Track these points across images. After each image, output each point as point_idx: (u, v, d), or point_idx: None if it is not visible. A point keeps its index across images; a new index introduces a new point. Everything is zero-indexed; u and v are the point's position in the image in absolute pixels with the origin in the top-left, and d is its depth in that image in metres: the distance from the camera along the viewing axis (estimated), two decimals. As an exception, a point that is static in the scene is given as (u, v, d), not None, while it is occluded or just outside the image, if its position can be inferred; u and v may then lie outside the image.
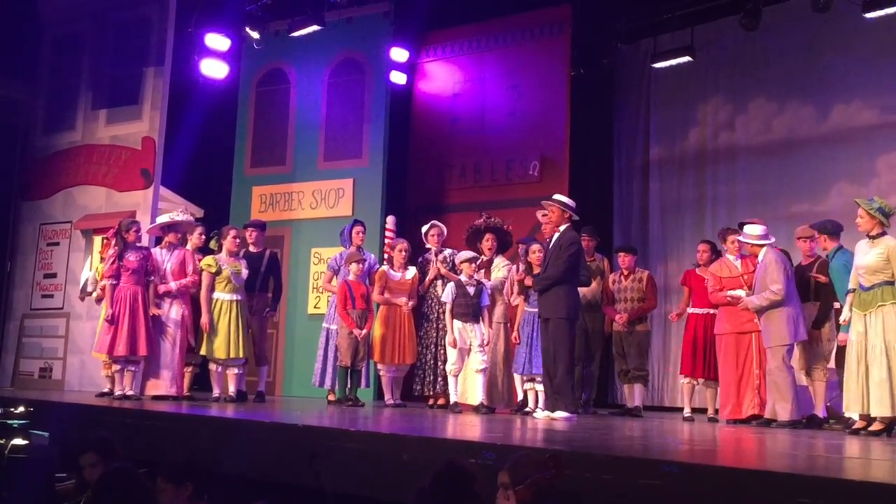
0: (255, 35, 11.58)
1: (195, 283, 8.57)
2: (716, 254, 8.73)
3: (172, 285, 8.50)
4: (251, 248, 9.08)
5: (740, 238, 8.02)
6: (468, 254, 8.44)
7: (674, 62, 11.39)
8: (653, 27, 11.69)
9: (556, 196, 7.67)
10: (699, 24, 11.30)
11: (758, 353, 7.89)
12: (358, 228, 9.22)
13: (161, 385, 8.47)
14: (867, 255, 6.83)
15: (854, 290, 6.98)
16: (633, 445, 5.15)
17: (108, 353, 8.34)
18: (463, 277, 8.30)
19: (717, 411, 8.62)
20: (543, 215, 8.65)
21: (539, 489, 3.51)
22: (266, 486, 5.41)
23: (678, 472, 3.64)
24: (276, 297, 9.33)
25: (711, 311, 8.45)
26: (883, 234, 6.87)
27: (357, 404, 8.61)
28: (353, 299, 8.70)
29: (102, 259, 9.03)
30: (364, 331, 8.64)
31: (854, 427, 6.89)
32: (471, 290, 8.21)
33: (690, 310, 8.69)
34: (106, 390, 8.74)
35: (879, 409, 6.63)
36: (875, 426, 6.72)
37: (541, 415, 7.45)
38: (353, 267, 8.79)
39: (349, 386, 8.77)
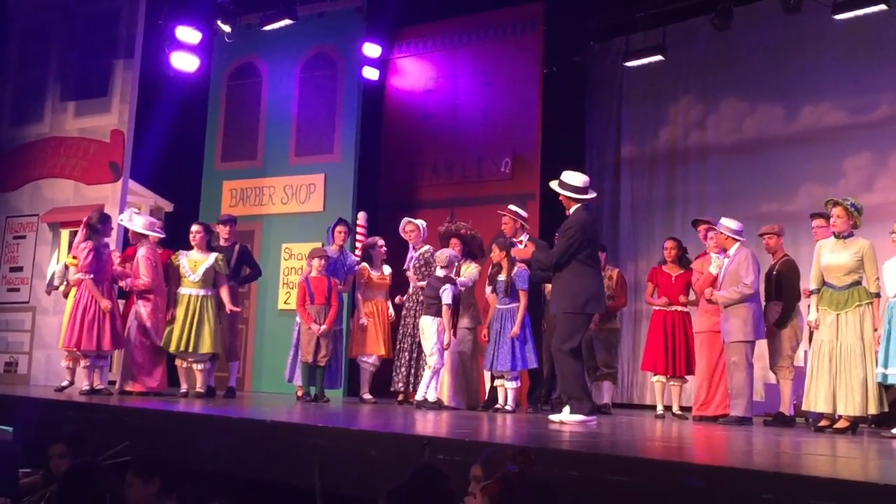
0: (227, 28, 11.49)
1: (145, 286, 8.42)
2: (682, 250, 8.84)
3: (125, 283, 8.52)
4: (222, 243, 9.06)
5: (717, 227, 8.07)
6: (448, 253, 8.49)
7: (646, 61, 11.45)
8: (625, 26, 11.74)
9: (564, 176, 6.82)
10: (671, 23, 11.37)
11: None
12: (340, 228, 9.23)
13: (137, 379, 8.43)
14: (840, 256, 6.89)
15: (817, 291, 7.04)
16: (600, 442, 5.17)
17: (75, 346, 8.26)
18: (441, 274, 8.34)
19: (682, 408, 8.71)
20: (502, 215, 8.66)
21: (508, 484, 3.51)
22: (234, 482, 5.39)
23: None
24: (247, 277, 9.41)
25: (678, 308, 8.57)
26: (852, 234, 6.95)
27: (321, 400, 8.59)
28: (311, 295, 8.68)
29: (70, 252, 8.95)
30: (323, 327, 8.61)
31: (819, 425, 6.98)
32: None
33: (656, 307, 8.77)
34: (64, 384, 8.65)
35: (852, 409, 6.70)
36: (840, 424, 6.81)
37: (560, 417, 6.60)
38: (315, 262, 8.78)
39: (312, 383, 8.75)
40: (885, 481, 3.32)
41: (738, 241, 7.88)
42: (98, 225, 8.35)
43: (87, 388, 8.19)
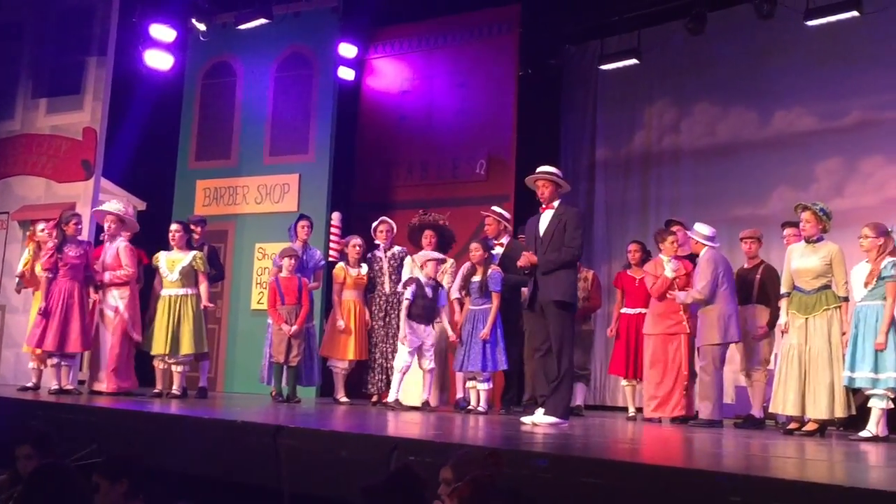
0: (202, 27, 11.42)
1: (130, 275, 8.45)
2: (646, 253, 8.88)
3: (106, 276, 8.42)
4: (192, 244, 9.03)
5: (689, 233, 8.16)
6: (434, 254, 8.44)
7: (620, 64, 11.51)
8: (600, 29, 11.81)
9: (548, 168, 6.90)
10: (646, 27, 11.43)
11: (686, 355, 8.00)
12: (303, 223, 9.18)
13: (104, 379, 8.36)
14: (809, 260, 6.96)
15: (787, 295, 7.11)
16: (572, 444, 5.18)
17: (36, 346, 8.22)
18: (422, 277, 8.30)
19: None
20: (486, 216, 8.68)
21: (478, 486, 3.52)
22: (203, 483, 5.35)
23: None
24: (211, 278, 9.32)
25: (644, 310, 8.55)
26: (821, 238, 7.02)
27: (293, 401, 8.55)
28: (281, 296, 8.65)
29: (33, 244, 8.89)
30: (294, 327, 8.58)
31: (788, 427, 7.04)
32: (429, 290, 8.23)
33: (623, 310, 8.79)
34: (30, 385, 8.57)
35: (818, 412, 6.76)
36: (809, 426, 6.87)
37: (533, 419, 6.55)
38: (285, 262, 8.74)
39: (285, 383, 8.71)
40: (851, 484, 3.36)
41: (707, 245, 7.92)
42: (63, 224, 8.30)
43: (56, 388, 8.13)
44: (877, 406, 6.54)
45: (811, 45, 10.44)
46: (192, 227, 9.12)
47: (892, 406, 6.55)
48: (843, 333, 6.75)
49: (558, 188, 6.83)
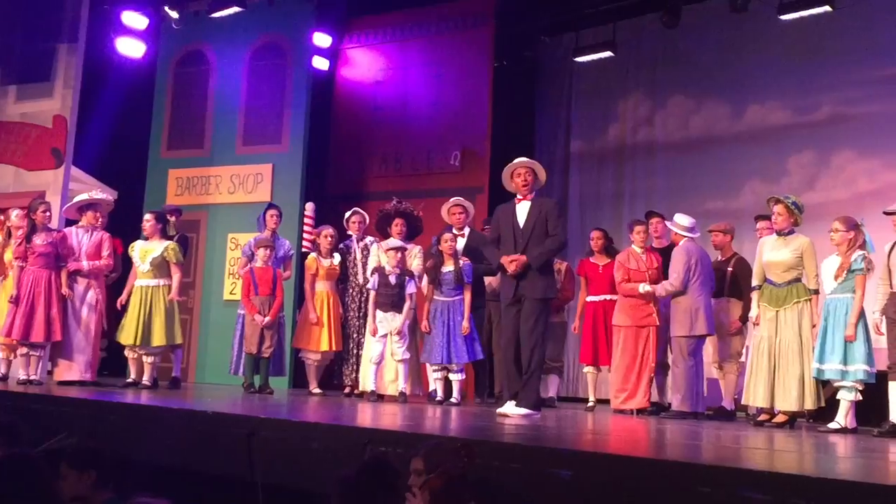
0: (175, 14, 11.34)
1: (109, 266, 8.45)
2: (608, 241, 8.89)
3: (84, 265, 8.34)
4: (169, 233, 8.97)
5: (668, 223, 8.17)
6: (395, 242, 8.41)
7: (595, 57, 11.52)
8: (575, 21, 11.83)
9: (529, 160, 6.96)
10: (621, 20, 11.45)
11: (655, 346, 8.02)
12: (272, 212, 9.13)
13: (73, 369, 8.30)
14: (780, 252, 7.02)
15: (759, 287, 7.17)
16: (543, 435, 5.19)
17: (5, 335, 8.16)
18: (386, 266, 8.27)
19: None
20: (455, 205, 8.65)
21: (450, 478, 3.52)
22: (174, 474, 5.32)
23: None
24: None
25: (608, 297, 8.51)
26: (793, 231, 7.07)
27: (265, 391, 8.52)
28: (255, 286, 8.60)
29: (2, 232, 8.82)
30: (267, 318, 8.54)
31: (758, 419, 7.10)
32: (392, 279, 8.19)
33: (588, 298, 8.78)
34: None
35: (788, 404, 6.83)
36: (779, 418, 6.93)
37: (505, 410, 6.52)
38: (261, 252, 8.69)
39: (257, 373, 8.67)
40: (818, 474, 3.39)
41: (685, 237, 7.94)
42: (32, 212, 8.23)
43: (25, 377, 8.06)
44: (845, 398, 6.61)
45: (784, 39, 10.50)
46: (169, 215, 9.06)
47: (860, 398, 6.63)
48: (814, 326, 6.82)
49: (537, 179, 6.85)
